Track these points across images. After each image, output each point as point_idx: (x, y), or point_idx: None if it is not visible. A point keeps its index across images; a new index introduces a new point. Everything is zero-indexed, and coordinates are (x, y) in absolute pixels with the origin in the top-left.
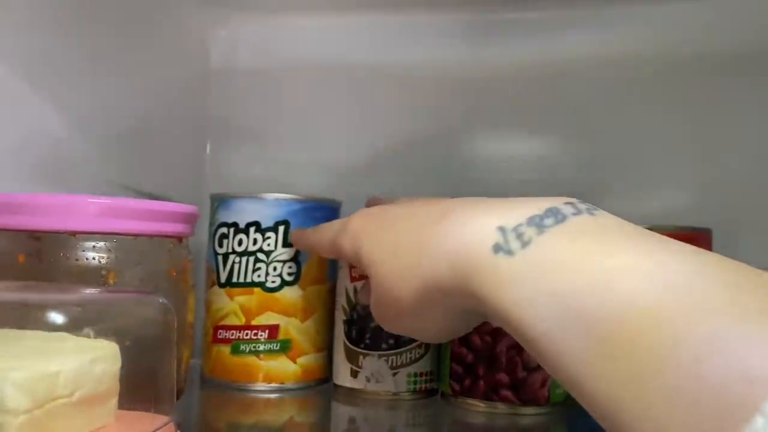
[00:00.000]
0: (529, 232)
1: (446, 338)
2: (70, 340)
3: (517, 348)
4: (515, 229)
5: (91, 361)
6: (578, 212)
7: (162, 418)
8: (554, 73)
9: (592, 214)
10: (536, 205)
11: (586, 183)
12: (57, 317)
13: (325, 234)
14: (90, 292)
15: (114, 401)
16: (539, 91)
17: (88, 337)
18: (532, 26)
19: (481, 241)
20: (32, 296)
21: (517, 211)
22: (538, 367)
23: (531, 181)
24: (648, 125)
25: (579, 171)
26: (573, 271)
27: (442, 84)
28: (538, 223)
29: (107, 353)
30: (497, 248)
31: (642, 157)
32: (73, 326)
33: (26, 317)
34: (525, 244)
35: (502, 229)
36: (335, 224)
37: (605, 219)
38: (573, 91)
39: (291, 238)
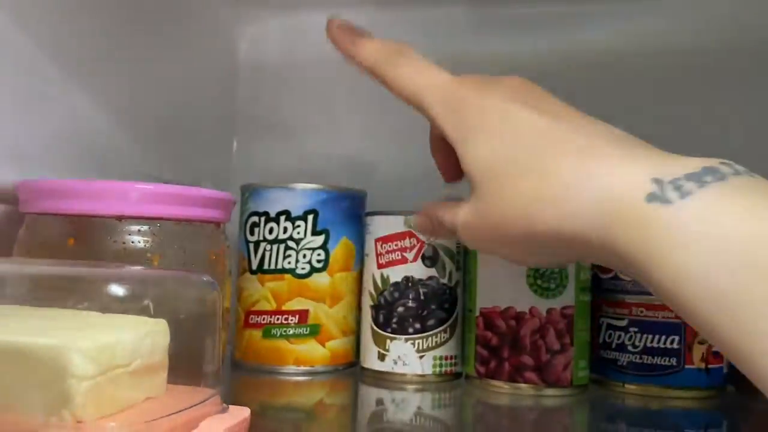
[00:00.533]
0: (689, 185)
1: (544, 266)
2: (122, 317)
3: (540, 332)
4: (672, 181)
5: (145, 335)
6: (737, 172)
7: (208, 391)
8: (567, 67)
9: (751, 175)
10: (691, 164)
11: None
12: (118, 290)
13: (415, 76)
14: (141, 269)
15: (164, 374)
16: (553, 84)
17: (148, 308)
18: (546, 21)
19: (632, 190)
20: (92, 271)
21: (671, 166)
22: (561, 350)
23: None
24: (663, 118)
25: None
26: (741, 223)
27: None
28: (697, 179)
29: (158, 328)
30: (652, 197)
31: (660, 147)
32: (132, 298)
33: (87, 291)
34: (684, 195)
35: (657, 180)
36: (432, 72)
37: (764, 181)
38: (587, 85)
39: (332, 31)
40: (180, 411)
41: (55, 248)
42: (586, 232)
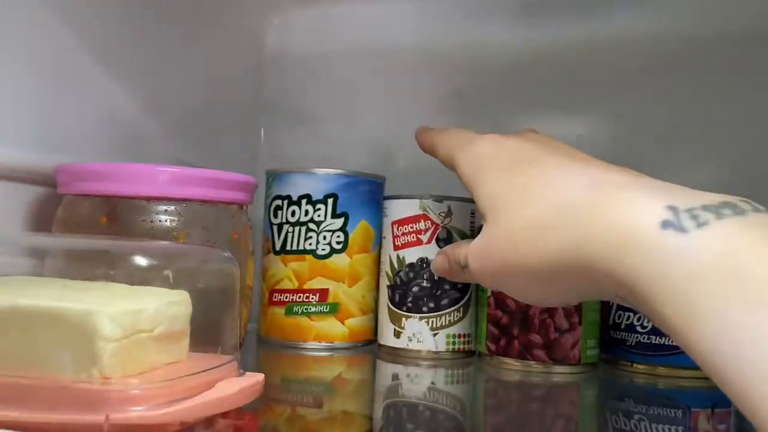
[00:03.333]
0: (706, 215)
1: (550, 305)
2: (146, 288)
3: (549, 311)
4: (689, 210)
5: (167, 303)
6: (758, 210)
7: (226, 357)
8: (594, 53)
9: None
10: (709, 197)
11: (625, 161)
12: (141, 260)
13: (448, 140)
14: (164, 243)
15: (186, 341)
16: (578, 70)
17: (168, 278)
18: (573, 7)
19: (646, 216)
20: (119, 244)
21: (688, 197)
22: (570, 329)
23: None
24: (686, 102)
25: (617, 149)
26: (761, 257)
27: (485, 65)
28: (715, 210)
29: (180, 299)
30: (666, 224)
31: (680, 134)
32: (154, 269)
33: (114, 262)
34: (701, 225)
35: (672, 208)
36: (460, 134)
37: None
38: (611, 70)
39: (417, 134)
40: (198, 372)
41: (89, 226)
42: (594, 260)
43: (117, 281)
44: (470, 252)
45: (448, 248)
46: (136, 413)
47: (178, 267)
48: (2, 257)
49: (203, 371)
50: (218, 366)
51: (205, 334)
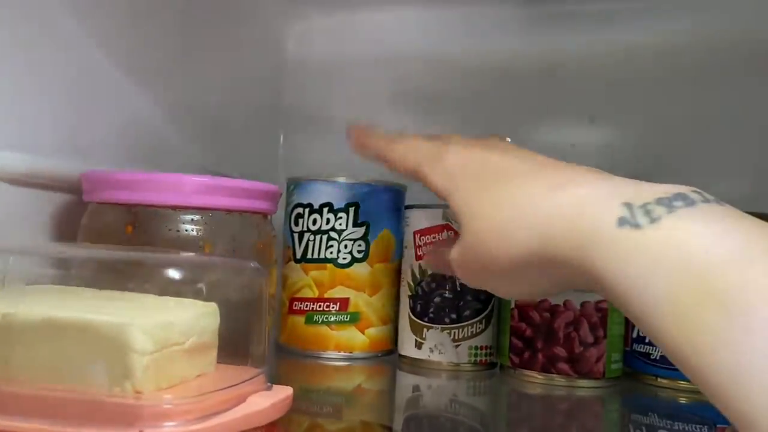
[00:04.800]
0: (659, 210)
1: (531, 299)
2: (175, 300)
3: (574, 324)
4: (643, 206)
5: (197, 316)
6: (707, 200)
7: (255, 370)
8: (614, 62)
9: (720, 203)
10: (662, 189)
11: (646, 171)
12: (175, 274)
13: (410, 154)
14: (195, 255)
15: (214, 354)
16: (599, 79)
17: (201, 291)
18: (592, 17)
19: (603, 213)
20: (151, 256)
21: (642, 191)
22: (595, 343)
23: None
24: (708, 112)
25: (639, 159)
26: (709, 249)
27: (504, 74)
28: (667, 204)
29: (209, 311)
30: (622, 221)
31: (702, 144)
32: (187, 282)
33: (147, 274)
34: (654, 220)
35: (628, 205)
36: (424, 147)
37: (733, 210)
38: (632, 80)
39: (349, 133)
40: (229, 387)
41: (114, 235)
42: (560, 258)
43: (150, 293)
44: (453, 259)
45: (438, 245)
46: (170, 429)
47: (210, 279)
48: (33, 268)
49: (234, 385)
50: (248, 380)
51: (233, 345)
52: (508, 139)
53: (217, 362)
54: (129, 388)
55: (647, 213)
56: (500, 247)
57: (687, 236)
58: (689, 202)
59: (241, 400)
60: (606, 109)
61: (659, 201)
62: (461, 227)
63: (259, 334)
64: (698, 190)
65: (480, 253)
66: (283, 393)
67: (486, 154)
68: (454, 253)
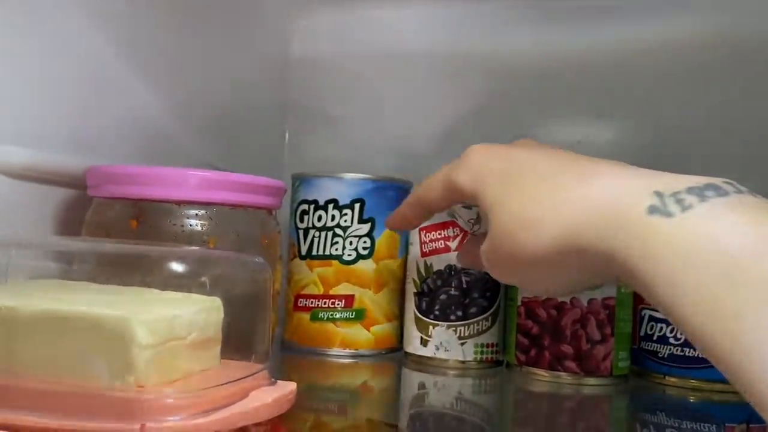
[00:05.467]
0: (690, 199)
1: (560, 295)
2: (179, 294)
3: (581, 322)
4: (674, 195)
5: (200, 310)
6: (740, 191)
7: (258, 366)
8: (622, 59)
9: (753, 194)
10: (694, 179)
11: (654, 167)
12: (178, 267)
13: (433, 180)
14: (198, 249)
15: (218, 349)
16: (607, 76)
17: (204, 285)
18: (599, 13)
19: (634, 202)
20: (155, 250)
21: (673, 181)
22: (602, 341)
23: None
24: (715, 110)
25: (646, 155)
26: (741, 239)
27: (511, 70)
28: (698, 193)
29: (213, 305)
30: (653, 209)
31: (708, 141)
32: (190, 276)
33: (150, 268)
34: (685, 208)
35: (659, 194)
36: (442, 169)
37: (766, 201)
38: (640, 76)
39: (388, 223)
40: (232, 381)
41: (119, 230)
42: (589, 247)
43: (153, 287)
44: (482, 252)
45: (468, 244)
46: (172, 423)
47: (213, 273)
48: (36, 261)
49: (237, 380)
50: (251, 374)
51: (236, 341)
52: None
53: (221, 357)
54: (131, 381)
55: (679, 202)
56: (529, 240)
57: (719, 225)
58: (722, 192)
59: (244, 395)
60: (612, 106)
61: (690, 190)
62: (490, 223)
63: (263, 330)
64: (731, 181)
65: (510, 247)
66: (286, 388)
67: (509, 150)
68: (485, 248)
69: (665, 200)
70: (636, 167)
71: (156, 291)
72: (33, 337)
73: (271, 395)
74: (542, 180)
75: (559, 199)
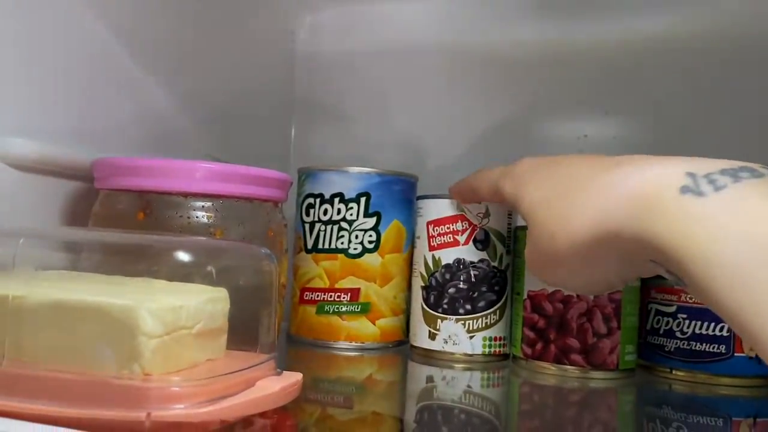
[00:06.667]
0: (723, 179)
1: (597, 291)
2: (186, 285)
3: (587, 315)
4: (707, 175)
5: (207, 300)
6: None
7: (264, 356)
8: (630, 53)
9: None
10: (728, 163)
11: None
12: (184, 256)
13: (486, 177)
14: (205, 239)
15: (224, 339)
16: (614, 70)
17: (210, 274)
18: (605, 7)
19: (666, 182)
20: (161, 240)
21: (707, 164)
22: (608, 334)
23: None
24: (723, 105)
25: (651, 151)
26: None
27: (517, 64)
28: (732, 174)
29: (219, 295)
30: (685, 189)
31: (716, 136)
32: (197, 265)
33: (157, 257)
34: (719, 188)
35: (691, 174)
36: (497, 169)
37: None
38: (647, 72)
39: (450, 191)
40: (238, 371)
41: (126, 221)
42: (622, 229)
43: (159, 277)
44: (526, 258)
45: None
46: (178, 411)
47: (220, 264)
48: (43, 251)
49: (243, 369)
50: (257, 364)
51: (242, 331)
52: None
53: (227, 348)
54: (137, 370)
55: (712, 182)
56: (563, 231)
57: (752, 204)
58: (757, 174)
59: (250, 384)
60: (618, 101)
61: (724, 172)
62: (529, 227)
63: (269, 320)
64: (765, 166)
65: (548, 244)
66: (292, 378)
67: (556, 158)
68: (527, 252)
69: (698, 181)
70: (669, 156)
71: (163, 281)
72: (41, 326)
73: (277, 385)
74: (576, 178)
75: (592, 189)
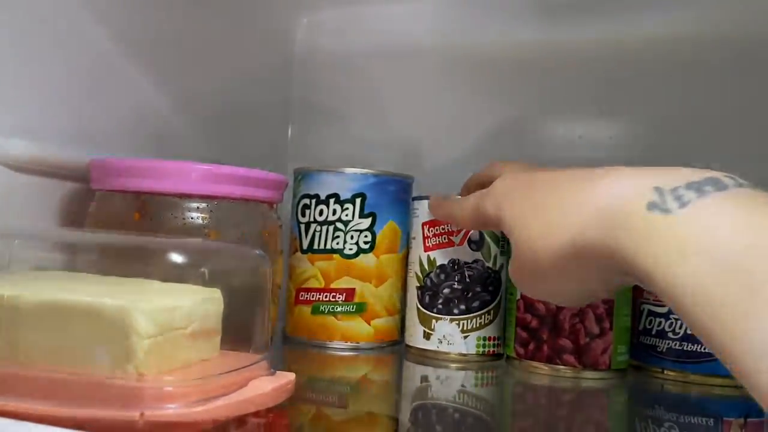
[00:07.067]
0: (689, 194)
1: (584, 302)
2: (179, 285)
3: (579, 316)
4: (673, 190)
5: (200, 301)
6: (740, 185)
7: (257, 356)
8: (626, 54)
9: (753, 188)
10: (694, 174)
11: (656, 162)
12: (177, 258)
13: (468, 202)
14: (198, 241)
15: (217, 339)
16: (610, 71)
17: (204, 276)
18: (603, 8)
19: (634, 198)
20: (155, 241)
21: (674, 176)
22: (600, 334)
23: (600, 159)
24: (718, 106)
25: (647, 151)
26: (736, 233)
27: (514, 65)
28: (697, 188)
29: (212, 296)
30: (652, 206)
31: (712, 137)
32: (190, 266)
33: (150, 258)
34: (683, 204)
35: (658, 189)
36: (478, 192)
37: (765, 194)
38: (643, 72)
39: (429, 205)
40: (231, 371)
41: (122, 222)
42: (594, 245)
43: (153, 278)
44: (510, 274)
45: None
46: (171, 411)
47: (213, 265)
48: (38, 252)
49: (236, 370)
50: (250, 364)
51: (236, 332)
52: None
53: (221, 348)
54: (131, 370)
55: (678, 198)
56: (542, 247)
57: (713, 220)
58: (720, 187)
59: (243, 384)
60: (614, 102)
61: (689, 185)
62: (512, 243)
63: (263, 321)
64: (732, 175)
65: (529, 258)
66: (285, 378)
67: (532, 175)
68: (511, 268)
69: (665, 196)
70: (645, 167)
71: (156, 282)
72: (35, 326)
73: (269, 385)
74: (554, 191)
75: (566, 204)
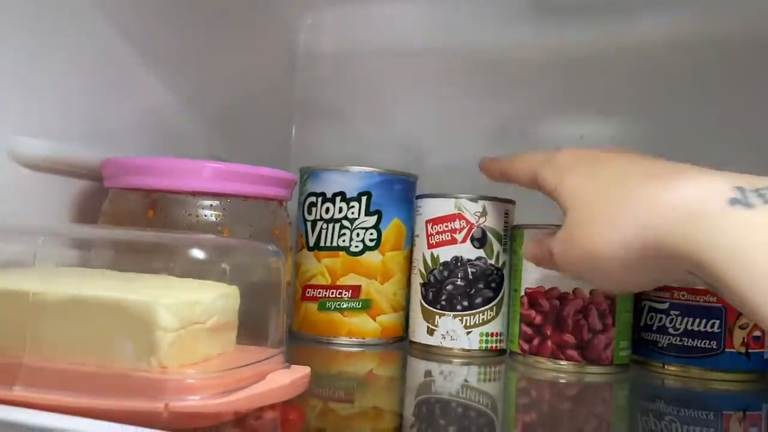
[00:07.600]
0: None
1: (630, 291)
2: (197, 281)
3: (583, 312)
4: (756, 190)
5: (219, 296)
6: None
7: (273, 350)
8: (624, 55)
9: None
10: None
11: None
12: (199, 254)
13: (527, 162)
14: (217, 237)
15: (234, 334)
16: (611, 71)
17: (225, 272)
18: (603, 9)
19: (715, 197)
20: (176, 238)
21: (754, 179)
22: (603, 330)
23: None
24: (718, 107)
25: (649, 150)
26: None
27: (515, 65)
28: None
29: (230, 291)
30: (734, 201)
31: (711, 138)
32: (211, 262)
33: (172, 254)
34: (767, 201)
35: (740, 188)
36: (538, 155)
37: None
38: (642, 73)
39: (482, 165)
40: (250, 364)
41: (135, 220)
42: (664, 239)
43: (174, 274)
44: (555, 241)
45: (540, 235)
46: (194, 402)
47: (233, 261)
48: (62, 249)
49: (254, 363)
50: (267, 358)
51: (252, 327)
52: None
53: (237, 343)
54: (154, 363)
55: (761, 196)
56: (603, 234)
57: None
58: None
59: (262, 377)
60: (614, 103)
61: None
62: (567, 215)
63: (278, 316)
64: None
65: (582, 241)
66: (301, 372)
67: (595, 152)
68: (559, 238)
69: (746, 194)
70: (716, 171)
71: (175, 278)
72: (61, 320)
73: (287, 378)
74: (620, 183)
75: (637, 199)
